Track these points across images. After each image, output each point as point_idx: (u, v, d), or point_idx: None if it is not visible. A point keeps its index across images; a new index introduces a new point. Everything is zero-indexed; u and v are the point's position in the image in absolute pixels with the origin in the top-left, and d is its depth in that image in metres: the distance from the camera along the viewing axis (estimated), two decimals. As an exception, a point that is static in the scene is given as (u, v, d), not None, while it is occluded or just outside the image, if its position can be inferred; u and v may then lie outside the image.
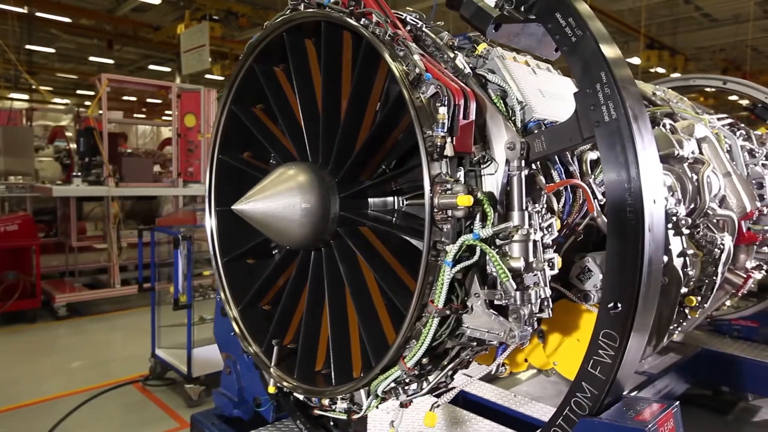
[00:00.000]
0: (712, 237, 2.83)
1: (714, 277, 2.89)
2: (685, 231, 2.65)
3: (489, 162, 1.82)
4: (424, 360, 1.86)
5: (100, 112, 8.78)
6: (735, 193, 3.31)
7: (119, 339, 7.54)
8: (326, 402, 2.20)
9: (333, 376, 2.23)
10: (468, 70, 1.91)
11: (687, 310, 2.87)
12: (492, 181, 1.83)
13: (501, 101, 1.93)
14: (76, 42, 20.67)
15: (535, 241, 1.79)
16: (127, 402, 5.34)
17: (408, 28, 2.04)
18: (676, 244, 2.61)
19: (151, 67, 24.08)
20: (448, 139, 1.70)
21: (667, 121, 3.09)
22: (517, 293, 1.71)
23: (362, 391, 2.06)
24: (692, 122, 3.31)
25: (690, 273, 2.69)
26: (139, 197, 9.90)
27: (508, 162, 1.79)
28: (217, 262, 2.72)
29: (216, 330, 3.55)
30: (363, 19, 1.98)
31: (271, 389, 2.50)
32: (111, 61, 22.90)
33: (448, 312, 1.75)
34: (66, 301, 8.26)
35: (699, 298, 2.88)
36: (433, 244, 1.75)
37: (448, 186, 1.70)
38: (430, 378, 1.97)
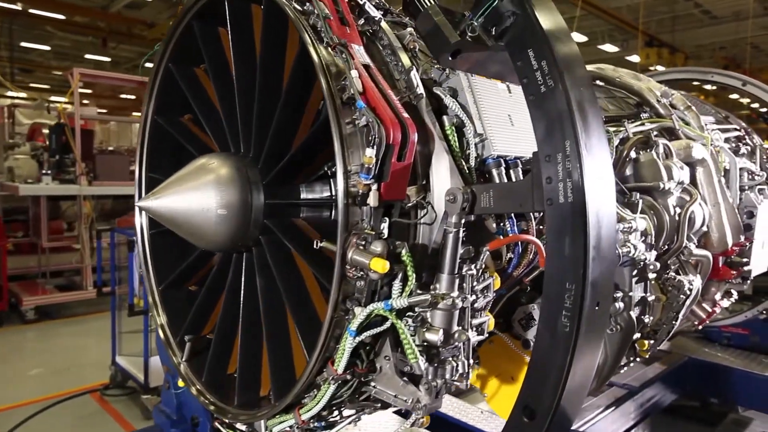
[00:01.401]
0: (680, 282, 2.60)
1: (674, 321, 2.71)
2: (652, 276, 2.42)
3: (427, 209, 1.54)
4: (324, 412, 1.68)
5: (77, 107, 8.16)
6: (719, 227, 3.05)
7: (87, 344, 7.04)
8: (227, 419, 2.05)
9: (237, 392, 2.06)
10: (421, 90, 1.58)
11: (637, 350, 2.71)
12: (428, 233, 1.56)
13: (455, 134, 1.61)
14: (71, 39, 19.86)
15: (464, 308, 1.55)
16: (81, 414, 4.98)
17: (362, 21, 1.68)
18: (638, 291, 2.40)
19: (149, 65, 22.65)
20: (374, 187, 1.40)
21: (662, 143, 2.76)
22: (429, 368, 1.50)
23: (262, 422, 1.89)
24: (690, 143, 2.98)
25: (646, 320, 2.49)
26: (117, 196, 9.19)
27: (446, 215, 1.51)
28: (146, 258, 2.48)
29: (158, 340, 3.33)
30: (308, 4, 1.61)
31: (181, 383, 2.35)
32: (107, 59, 22.04)
33: (349, 377, 1.54)
34: (34, 303, 7.77)
35: (652, 342, 2.71)
36: (343, 299, 1.51)
37: (368, 239, 1.43)
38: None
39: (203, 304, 2.31)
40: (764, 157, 4.32)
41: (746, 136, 4.33)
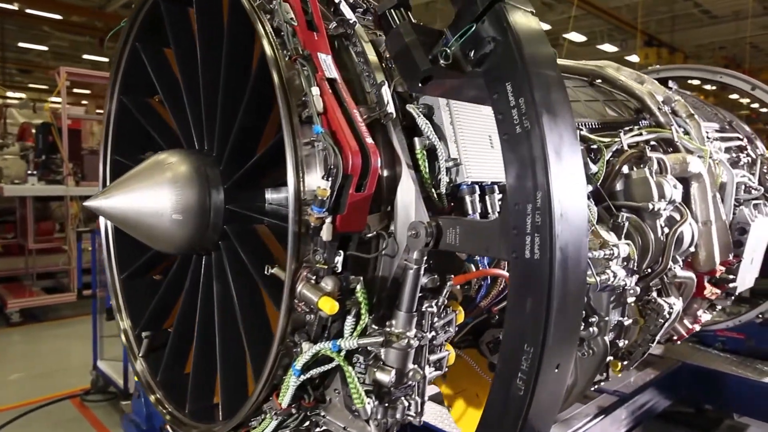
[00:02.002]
0: (660, 306, 2.52)
1: (650, 344, 2.64)
2: (631, 299, 2.33)
3: (388, 241, 1.43)
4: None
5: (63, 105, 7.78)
6: (708, 247, 2.95)
7: (72, 348, 6.73)
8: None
9: (189, 398, 1.99)
10: (391, 108, 1.44)
11: (609, 370, 2.65)
12: (389, 265, 1.45)
13: (425, 158, 1.48)
14: (68, 39, 19.30)
15: (421, 346, 1.46)
16: (58, 420, 4.77)
17: (334, 25, 1.52)
18: (615, 315, 2.31)
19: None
20: (328, 219, 1.29)
21: (656, 159, 2.63)
22: (379, 408, 1.42)
23: (209, 437, 1.83)
24: (686, 158, 2.84)
25: (621, 344, 2.42)
26: (107, 197, 8.84)
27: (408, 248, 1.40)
28: (110, 256, 2.37)
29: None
30: (274, 2, 1.46)
31: (137, 377, 2.28)
32: (105, 59, 20.87)
33: (294, 411, 1.46)
34: (19, 306, 7.47)
35: (626, 362, 2.65)
36: (292, 330, 1.41)
37: (319, 273, 1.33)
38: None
39: (163, 300, 2.22)
40: (765, 168, 4.19)
41: (749, 145, 4.19)
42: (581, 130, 2.62)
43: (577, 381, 2.35)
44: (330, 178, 1.24)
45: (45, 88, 24.57)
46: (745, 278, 3.63)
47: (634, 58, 17.39)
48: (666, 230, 2.58)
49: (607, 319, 2.25)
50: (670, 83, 4.75)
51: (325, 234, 1.28)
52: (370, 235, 1.41)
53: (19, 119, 9.44)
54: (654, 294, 2.57)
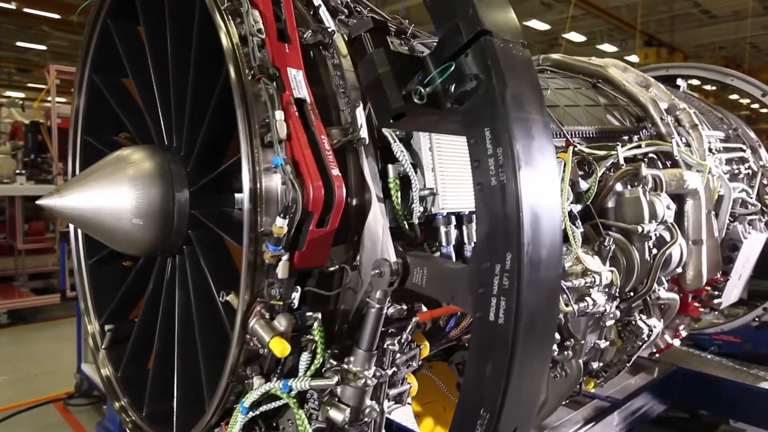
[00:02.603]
0: (639, 329, 2.46)
1: (627, 363, 2.60)
2: (610, 323, 2.27)
3: (351, 276, 1.34)
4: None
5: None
6: (696, 266, 2.87)
7: (60, 350, 6.37)
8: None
9: (147, 400, 1.94)
10: (364, 132, 1.32)
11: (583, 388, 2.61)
12: (351, 298, 1.37)
13: (398, 188, 1.38)
14: (68, 39, 18.51)
15: (381, 383, 1.40)
16: (41, 425, 4.55)
17: (310, 33, 1.39)
18: (591, 338, 2.26)
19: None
20: (285, 257, 1.20)
21: (652, 176, 2.52)
22: (332, 447, 1.36)
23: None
24: (683, 175, 2.73)
25: (595, 366, 2.38)
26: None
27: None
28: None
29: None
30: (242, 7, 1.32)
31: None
32: None
33: (243, 443, 1.41)
34: (6, 307, 7.21)
35: (600, 380, 2.61)
36: (244, 362, 1.34)
37: (274, 310, 1.25)
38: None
39: (128, 293, 2.15)
40: (766, 179, 4.08)
41: (752, 156, 4.07)
42: (575, 139, 2.50)
43: (548, 400, 2.32)
44: (288, 216, 1.14)
45: (43, 87, 24.41)
46: (731, 294, 3.59)
47: (633, 58, 17.18)
48: (654, 251, 2.51)
49: (582, 342, 2.20)
50: (679, 81, 4.59)
51: (281, 272, 1.20)
52: (332, 268, 1.32)
53: (18, 118, 9.17)
54: (635, 315, 2.51)
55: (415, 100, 1.06)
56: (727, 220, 3.32)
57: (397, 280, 1.29)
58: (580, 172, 2.34)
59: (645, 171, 2.48)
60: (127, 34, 2.04)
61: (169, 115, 1.79)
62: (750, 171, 3.86)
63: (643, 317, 2.54)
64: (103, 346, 2.18)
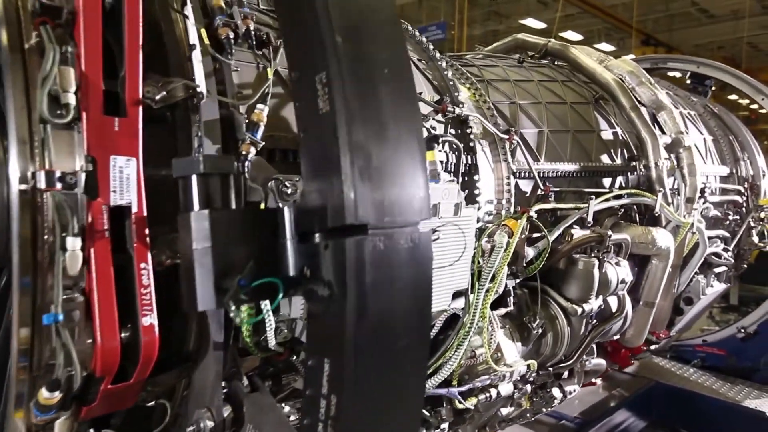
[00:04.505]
0: (551, 397, 2.32)
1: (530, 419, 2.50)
2: (520, 397, 2.11)
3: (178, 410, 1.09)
4: None
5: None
6: (639, 327, 2.66)
7: None
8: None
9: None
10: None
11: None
12: None
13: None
14: None
15: None
16: None
17: (162, 93, 1.00)
18: (491, 411, 2.10)
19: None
20: (64, 416, 0.93)
21: (615, 244, 2.24)
22: None
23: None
24: (654, 238, 2.43)
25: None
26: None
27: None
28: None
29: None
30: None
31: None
32: None
33: None
34: None
35: None
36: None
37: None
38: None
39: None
40: (753, 221, 3.76)
41: (749, 192, 3.73)
42: (551, 181, 2.16)
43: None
44: (59, 391, 0.85)
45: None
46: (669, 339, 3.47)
47: (630, 57, 16.25)
48: (595, 321, 2.29)
49: (481, 412, 2.04)
50: (694, 99, 4.11)
51: (58, 429, 0.93)
52: (150, 403, 1.06)
53: None
54: (552, 382, 2.35)
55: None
56: (693, 274, 3.08)
57: (224, 436, 1.05)
58: (536, 234, 2.03)
59: (610, 240, 2.18)
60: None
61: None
62: (739, 216, 3.56)
63: (562, 382, 2.39)
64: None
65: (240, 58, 1.18)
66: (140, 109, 0.94)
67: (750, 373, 3.98)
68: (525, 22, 15.66)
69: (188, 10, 1.04)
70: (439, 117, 1.71)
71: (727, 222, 3.48)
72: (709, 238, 3.14)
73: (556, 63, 3.13)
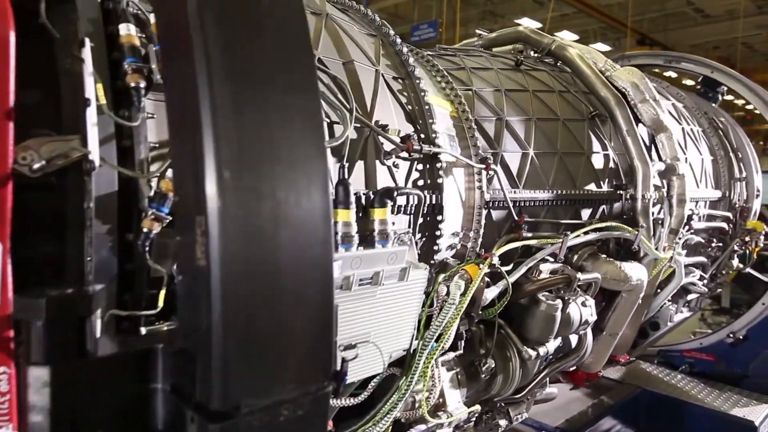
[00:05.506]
0: (497, 427, 2.28)
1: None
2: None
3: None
4: None
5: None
6: (599, 354, 2.64)
7: None
8: None
9: None
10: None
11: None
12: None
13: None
14: None
15: None
16: None
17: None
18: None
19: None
20: None
21: (585, 284, 2.13)
22: None
23: None
24: (628, 275, 2.33)
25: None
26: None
27: None
28: None
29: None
30: None
31: None
32: None
33: None
34: None
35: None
36: None
37: None
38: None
39: None
40: (737, 245, 3.67)
41: (738, 218, 3.62)
42: (527, 211, 2.02)
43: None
44: None
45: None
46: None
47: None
48: (551, 358, 2.23)
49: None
50: (702, 109, 3.90)
51: None
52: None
53: None
54: (498, 411, 2.31)
55: None
56: (664, 303, 3.02)
57: None
58: (506, 268, 1.91)
59: (578, 282, 2.07)
60: None
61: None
62: (722, 243, 3.46)
63: (510, 409, 2.36)
64: None
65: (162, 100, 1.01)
66: (10, 184, 0.79)
67: (739, 379, 3.91)
68: (520, 22, 15.16)
69: (86, 53, 0.85)
70: (404, 155, 1.55)
71: (710, 248, 3.38)
72: (687, 265, 3.07)
73: (558, 64, 2.91)
